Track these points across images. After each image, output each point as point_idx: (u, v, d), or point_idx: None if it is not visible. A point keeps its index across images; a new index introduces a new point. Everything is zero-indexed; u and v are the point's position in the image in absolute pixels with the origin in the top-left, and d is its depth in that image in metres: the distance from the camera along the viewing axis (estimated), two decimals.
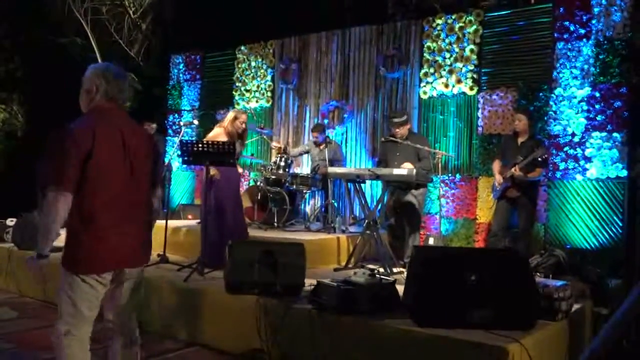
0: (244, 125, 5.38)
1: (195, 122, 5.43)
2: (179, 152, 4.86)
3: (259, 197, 6.75)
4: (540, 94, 6.23)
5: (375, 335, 3.37)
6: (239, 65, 8.89)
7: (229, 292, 4.08)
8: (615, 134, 5.77)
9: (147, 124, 8.00)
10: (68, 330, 2.52)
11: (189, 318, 4.30)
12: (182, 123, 5.64)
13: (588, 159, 5.92)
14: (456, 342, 3.08)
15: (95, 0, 11.25)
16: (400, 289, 3.71)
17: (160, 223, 6.19)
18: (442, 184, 6.79)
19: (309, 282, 4.03)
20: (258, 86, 8.66)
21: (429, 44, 7.05)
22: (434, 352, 3.14)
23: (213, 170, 5.02)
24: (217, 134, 5.29)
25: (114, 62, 2.79)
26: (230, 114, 5.38)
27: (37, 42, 11.02)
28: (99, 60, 11.02)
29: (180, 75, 9.68)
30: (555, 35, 6.17)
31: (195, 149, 4.76)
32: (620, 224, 5.71)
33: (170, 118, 9.69)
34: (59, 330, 2.52)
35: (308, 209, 7.81)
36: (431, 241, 6.39)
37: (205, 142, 4.77)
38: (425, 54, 7.08)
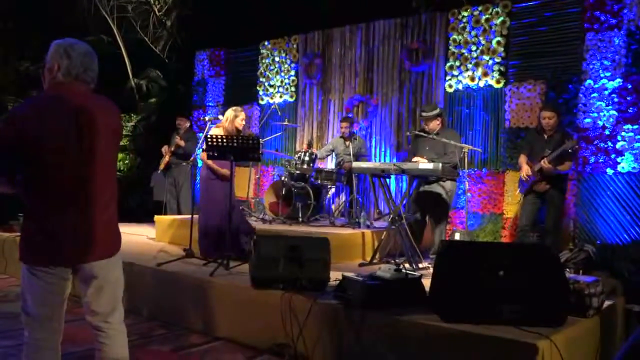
0: (244, 122, 5.44)
1: (221, 117, 5.45)
2: (204, 147, 4.88)
3: (283, 192, 6.75)
4: (570, 86, 6.10)
5: (401, 330, 3.33)
6: (263, 61, 8.91)
7: (255, 287, 4.09)
8: None
9: (180, 119, 8.08)
10: (27, 335, 2.33)
11: (215, 312, 4.31)
12: (207, 119, 5.65)
13: (619, 153, 5.78)
14: (484, 338, 3.03)
15: None
16: (426, 283, 3.67)
17: (185, 218, 6.28)
18: (468, 178, 6.71)
19: (334, 277, 4.02)
20: (282, 81, 8.66)
21: (454, 36, 6.95)
22: (461, 348, 3.10)
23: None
24: (215, 132, 5.33)
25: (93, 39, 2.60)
26: (230, 113, 5.39)
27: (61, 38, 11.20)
28: (126, 58, 11.17)
29: (205, 71, 9.74)
30: (585, 25, 6.03)
31: (220, 143, 4.78)
32: None
33: (195, 114, 9.76)
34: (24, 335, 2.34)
35: (333, 204, 7.80)
36: (457, 236, 6.30)
37: (230, 137, 4.78)
38: (450, 47, 6.99)
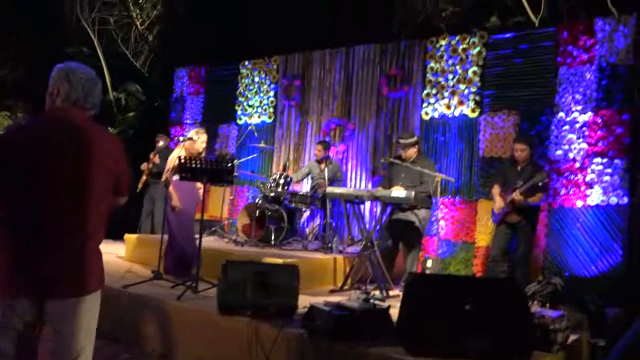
0: (204, 145, 5.54)
1: (195, 137, 5.43)
2: (177, 168, 4.84)
3: (257, 214, 6.70)
4: (542, 117, 6.20)
5: None
6: (243, 80, 8.90)
7: (222, 313, 4.04)
8: (616, 161, 5.72)
9: (160, 136, 8.00)
10: None
11: (181, 337, 4.24)
12: (181, 139, 5.62)
13: (589, 185, 5.87)
14: None
15: (104, 10, 11.33)
16: (395, 312, 3.66)
17: (155, 237, 6.20)
18: (441, 206, 6.75)
19: (305, 302, 3.98)
20: (261, 102, 8.66)
21: (432, 64, 7.04)
22: None
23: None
24: (177, 154, 5.36)
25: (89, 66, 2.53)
26: (192, 134, 5.51)
27: (43, 50, 11.10)
28: (105, 71, 11.09)
29: (184, 88, 9.70)
30: (558, 59, 6.15)
31: (194, 165, 4.74)
32: (621, 252, 5.64)
33: (172, 131, 9.69)
34: None
35: (307, 228, 7.77)
36: (429, 263, 6.32)
37: (204, 159, 4.75)
38: (428, 75, 7.07)
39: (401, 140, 5.87)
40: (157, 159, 7.61)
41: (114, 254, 7.00)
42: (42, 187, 2.18)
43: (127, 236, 6.85)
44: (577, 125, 5.97)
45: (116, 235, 7.15)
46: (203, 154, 5.61)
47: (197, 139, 5.48)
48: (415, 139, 5.86)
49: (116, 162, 2.34)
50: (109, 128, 10.65)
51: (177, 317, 4.30)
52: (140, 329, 4.51)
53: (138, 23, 11.39)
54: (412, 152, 5.80)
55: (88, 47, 11.43)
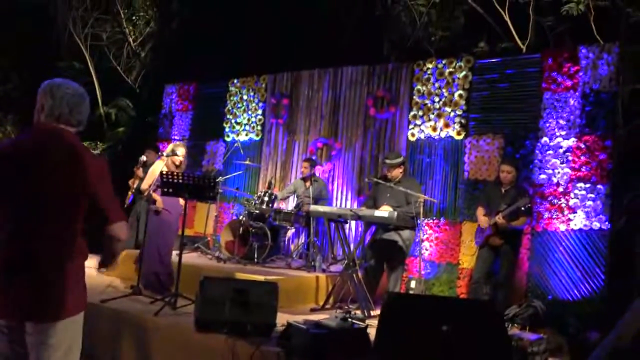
0: (182, 158, 5.55)
1: (179, 152, 5.42)
2: (159, 183, 4.82)
3: (240, 231, 6.67)
4: (527, 142, 6.25)
5: None
6: (231, 98, 8.93)
7: (199, 330, 3.99)
8: (599, 186, 5.77)
9: (148, 151, 7.97)
10: None
11: (156, 354, 4.18)
12: (164, 153, 5.59)
13: (572, 210, 5.90)
14: None
15: (97, 26, 11.38)
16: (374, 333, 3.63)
17: (133, 253, 6.14)
18: (426, 227, 6.75)
19: (285, 321, 3.94)
20: (249, 119, 8.67)
21: (418, 87, 7.10)
22: None
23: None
24: (159, 167, 5.38)
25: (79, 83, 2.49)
26: (169, 148, 5.55)
27: (35, 64, 11.11)
28: (96, 86, 11.11)
29: (172, 104, 9.71)
30: (543, 85, 6.22)
31: (176, 181, 4.72)
32: (603, 276, 5.65)
33: (161, 147, 9.66)
34: None
35: (291, 246, 7.73)
36: (413, 284, 6.28)
37: (186, 175, 4.74)
38: (414, 97, 7.12)
39: (387, 161, 5.89)
40: (141, 173, 7.53)
41: (94, 267, 6.92)
42: (14, 207, 2.17)
43: None
44: (561, 150, 6.02)
45: (98, 250, 7.06)
46: (182, 168, 5.59)
47: (172, 153, 5.50)
48: (401, 159, 5.88)
49: (98, 184, 2.24)
50: (99, 143, 10.63)
51: (154, 333, 4.24)
52: (117, 344, 4.44)
53: (131, 39, 11.44)
54: (397, 172, 5.82)
55: (80, 62, 11.46)
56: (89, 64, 11.43)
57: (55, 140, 2.24)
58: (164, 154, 5.53)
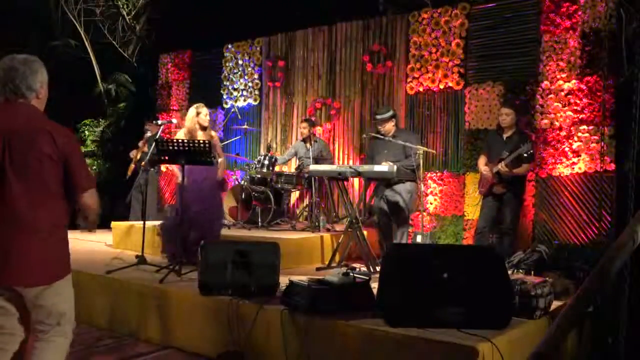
0: (208, 118, 5.33)
1: (174, 120, 5.36)
2: (155, 151, 4.79)
3: (243, 197, 6.66)
4: (527, 87, 6.12)
5: (344, 336, 3.28)
6: (227, 64, 8.81)
7: (203, 294, 4.00)
8: (603, 128, 5.65)
9: (149, 124, 7.94)
10: None
11: (163, 320, 4.22)
12: (158, 122, 5.52)
13: (576, 153, 5.80)
14: (426, 342, 3.00)
15: (89, 1, 11.22)
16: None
17: (138, 224, 6.16)
18: (429, 181, 6.70)
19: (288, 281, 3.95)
20: (245, 84, 8.58)
21: (414, 38, 6.94)
22: (404, 353, 3.06)
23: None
24: (182, 135, 5.22)
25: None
26: (191, 112, 5.31)
27: (29, 43, 10.99)
28: (94, 62, 11.00)
29: (169, 74, 9.61)
30: (542, 27, 6.05)
31: (171, 147, 4.68)
32: (610, 219, 5.59)
33: (160, 118, 9.60)
34: None
35: (297, 208, 7.73)
36: (419, 239, 6.26)
37: (181, 140, 4.69)
38: (411, 49, 6.97)
39: (377, 116, 5.80)
40: (146, 148, 7.52)
41: (103, 242, 6.98)
42: None
43: (114, 224, 6.82)
44: (563, 94, 5.89)
45: (105, 224, 7.12)
46: (209, 129, 5.37)
47: (196, 115, 5.25)
48: (390, 113, 5.77)
49: (59, 151, 2.28)
50: (101, 119, 10.59)
51: (160, 300, 4.27)
52: (124, 313, 4.49)
53: (124, 13, 11.28)
54: (389, 126, 5.72)
55: (75, 40, 11.34)
56: (85, 40, 11.31)
57: (16, 115, 2.30)
58: (187, 119, 5.30)
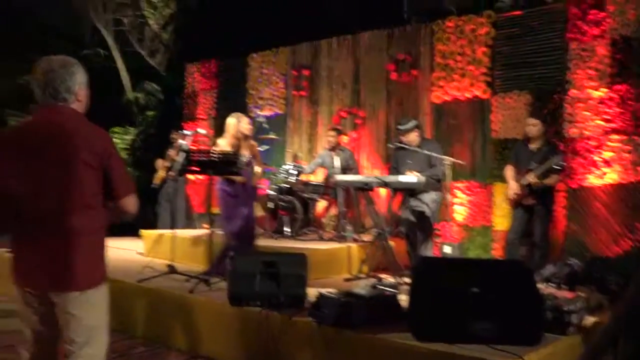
0: (249, 126, 5.25)
1: (201, 130, 5.40)
2: (184, 162, 4.85)
3: (270, 206, 6.70)
4: (555, 95, 6.05)
5: (373, 349, 3.28)
6: (252, 73, 8.89)
7: (232, 304, 4.04)
8: (634, 136, 5.55)
9: (176, 133, 8.05)
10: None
11: (193, 330, 4.27)
12: (185, 132, 5.57)
13: (607, 163, 5.70)
14: (455, 358, 2.98)
15: (118, 12, 11.45)
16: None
17: (168, 232, 6.25)
18: (457, 191, 6.65)
19: (318, 293, 3.96)
20: (271, 94, 8.64)
21: (440, 47, 6.92)
22: None
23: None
24: (223, 144, 5.23)
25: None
26: (231, 120, 5.19)
27: (59, 53, 11.25)
28: (123, 71, 11.21)
29: (195, 83, 9.73)
30: (568, 35, 5.98)
31: (198, 158, 4.75)
32: None
33: (186, 127, 9.73)
34: None
35: (324, 218, 7.74)
36: (447, 249, 6.23)
37: (207, 151, 4.75)
38: (436, 57, 6.95)
39: (400, 127, 5.79)
40: (175, 155, 7.56)
41: (133, 250, 7.09)
42: (24, 186, 2.24)
43: (143, 232, 6.92)
44: (592, 102, 5.81)
45: (125, 232, 7.23)
46: (249, 138, 5.28)
47: (237, 123, 5.17)
48: (414, 123, 5.76)
49: (98, 156, 2.24)
50: (130, 127, 10.77)
51: (190, 309, 4.32)
52: (155, 322, 4.55)
53: (152, 22, 11.48)
54: (413, 137, 5.71)
55: (104, 49, 11.58)
56: (113, 50, 11.53)
57: (56, 120, 2.28)
58: (230, 127, 5.19)
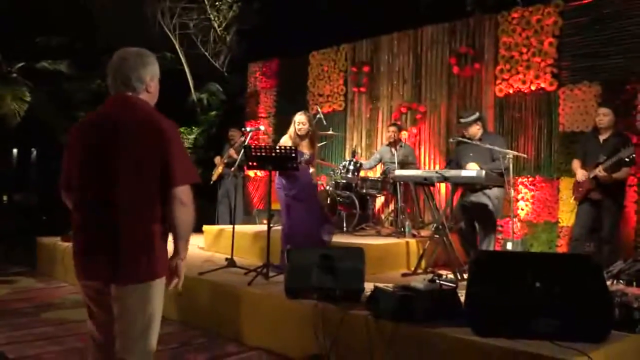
0: (300, 126, 5.19)
1: (262, 127, 5.48)
2: (243, 157, 4.94)
3: (328, 202, 6.72)
4: (627, 86, 5.74)
5: (431, 344, 3.22)
6: (312, 71, 8.94)
7: (289, 297, 4.07)
8: None
9: (233, 131, 8.23)
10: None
11: (251, 322, 4.33)
12: (247, 129, 5.68)
13: None
14: (517, 354, 2.87)
15: (183, 15, 11.79)
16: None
17: (228, 228, 6.36)
18: (520, 186, 6.44)
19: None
20: (331, 90, 8.66)
21: (504, 39, 6.72)
22: None
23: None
24: (284, 141, 5.30)
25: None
26: (295, 117, 5.26)
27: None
28: (188, 73, 11.54)
29: (257, 82, 9.89)
30: None
31: (257, 153, 4.81)
32: None
33: (248, 126, 9.91)
34: None
35: (382, 214, 7.69)
36: (509, 246, 6.03)
37: (266, 146, 4.81)
38: (500, 50, 6.75)
39: (462, 120, 5.65)
40: (235, 155, 7.70)
41: (195, 245, 7.27)
42: (82, 177, 2.28)
43: (205, 227, 7.09)
44: None
45: (197, 228, 7.38)
46: (304, 136, 5.24)
47: (293, 124, 5.22)
48: (476, 115, 5.61)
49: (159, 146, 2.20)
50: (193, 127, 11.08)
51: (248, 302, 4.39)
52: (215, 314, 4.65)
53: (216, 25, 11.75)
54: (475, 130, 5.56)
55: (171, 52, 11.96)
56: (179, 52, 11.89)
57: (121, 109, 2.28)
58: (293, 130, 5.24)
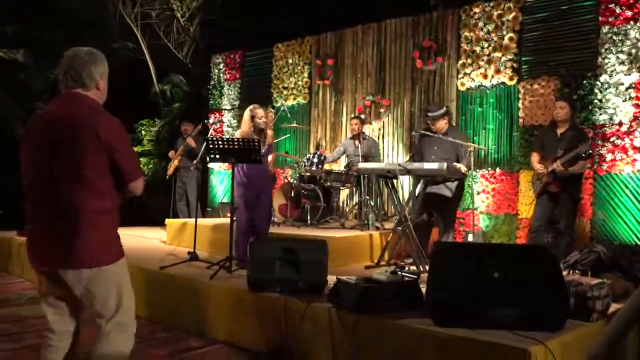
0: (263, 119, 5.12)
1: (256, 114, 5.26)
2: (206, 150, 4.88)
3: (292, 194, 6.70)
4: (585, 81, 5.89)
5: (393, 335, 3.24)
6: (277, 63, 8.89)
7: (252, 290, 4.05)
8: None
9: (186, 124, 8.12)
10: None
11: (213, 315, 4.30)
12: (209, 122, 5.62)
13: (637, 149, 5.55)
14: (475, 343, 2.92)
15: (145, 5, 11.54)
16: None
17: (191, 221, 6.29)
18: (481, 179, 6.55)
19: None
20: (295, 83, 8.63)
21: (466, 33, 6.80)
22: (453, 353, 2.99)
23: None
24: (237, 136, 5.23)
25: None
26: (246, 114, 5.14)
27: (89, 46, 11.43)
28: (150, 64, 11.32)
29: (221, 74, 9.78)
30: (600, 18, 5.81)
31: (220, 146, 4.76)
32: None
33: (212, 118, 9.81)
34: None
35: (347, 206, 7.72)
36: (470, 238, 6.16)
37: (230, 139, 4.76)
38: (462, 45, 6.84)
39: (429, 113, 5.69)
40: (193, 142, 7.57)
41: (157, 238, 7.18)
42: (33, 171, 2.38)
43: (168, 221, 7.00)
44: (623, 88, 5.65)
45: (151, 221, 7.30)
46: (267, 130, 5.20)
47: (251, 117, 5.08)
48: (444, 110, 5.66)
49: (107, 143, 2.30)
50: (156, 119, 10.89)
51: (210, 296, 4.35)
52: (176, 308, 4.60)
53: (179, 15, 11.54)
54: (442, 124, 5.62)
55: (132, 42, 11.70)
56: (141, 43, 11.65)
57: (69, 106, 2.37)
58: (243, 122, 5.16)
